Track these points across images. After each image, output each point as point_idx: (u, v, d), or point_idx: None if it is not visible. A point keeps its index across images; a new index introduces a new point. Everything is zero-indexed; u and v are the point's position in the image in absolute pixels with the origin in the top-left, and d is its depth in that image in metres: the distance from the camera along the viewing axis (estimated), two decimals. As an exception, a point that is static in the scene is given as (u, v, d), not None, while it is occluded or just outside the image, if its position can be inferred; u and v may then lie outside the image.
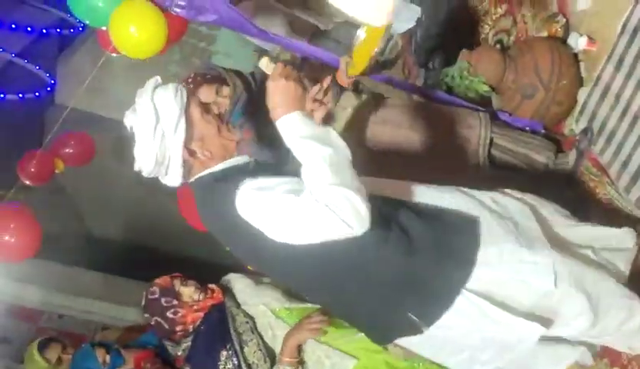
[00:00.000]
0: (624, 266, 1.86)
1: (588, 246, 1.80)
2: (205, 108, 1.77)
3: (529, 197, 1.85)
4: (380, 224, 1.50)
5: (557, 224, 1.82)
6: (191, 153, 1.69)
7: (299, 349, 2.32)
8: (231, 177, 1.60)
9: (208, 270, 2.89)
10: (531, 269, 1.62)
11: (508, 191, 1.87)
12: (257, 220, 1.51)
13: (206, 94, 2.47)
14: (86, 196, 5.43)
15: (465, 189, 1.80)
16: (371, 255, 1.54)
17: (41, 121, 5.35)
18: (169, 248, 4.89)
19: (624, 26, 2.49)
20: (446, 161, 2.59)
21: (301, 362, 2.33)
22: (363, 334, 2.22)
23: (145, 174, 1.70)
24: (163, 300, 2.39)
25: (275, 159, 1.85)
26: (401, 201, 1.69)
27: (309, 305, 2.46)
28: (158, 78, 1.74)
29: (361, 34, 2.27)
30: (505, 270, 1.61)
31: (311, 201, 1.40)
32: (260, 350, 2.37)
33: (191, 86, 2.47)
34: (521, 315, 1.61)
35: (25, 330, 4.74)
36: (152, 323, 2.45)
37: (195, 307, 2.41)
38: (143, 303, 2.47)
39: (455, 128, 2.66)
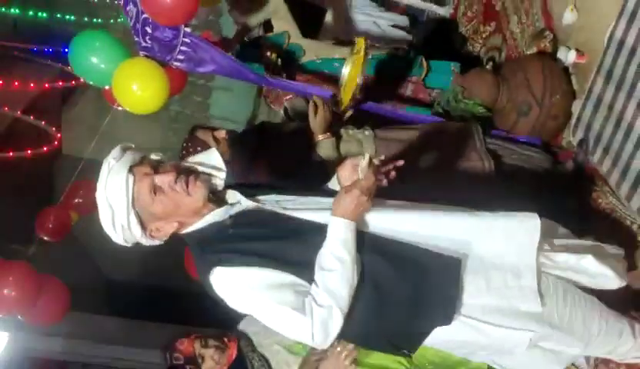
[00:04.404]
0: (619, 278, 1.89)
1: (580, 269, 1.84)
2: (157, 188, 1.68)
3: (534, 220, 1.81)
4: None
5: (555, 244, 1.85)
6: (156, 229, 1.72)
7: None
8: (208, 246, 1.67)
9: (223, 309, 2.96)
10: (517, 293, 1.70)
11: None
12: (231, 303, 1.64)
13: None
14: (99, 244, 5.49)
15: (465, 210, 1.82)
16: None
17: (50, 173, 5.45)
18: (185, 288, 4.93)
19: (610, 38, 2.56)
20: (447, 173, 2.58)
21: None
22: None
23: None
24: (188, 367, 2.52)
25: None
26: (381, 245, 1.70)
27: None
28: (118, 148, 1.73)
29: (345, 71, 2.40)
30: (493, 296, 1.70)
31: (300, 315, 1.54)
32: None
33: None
34: (511, 326, 1.70)
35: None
36: None
37: (218, 367, 2.55)
38: (169, 365, 2.57)
39: (450, 140, 2.65)
